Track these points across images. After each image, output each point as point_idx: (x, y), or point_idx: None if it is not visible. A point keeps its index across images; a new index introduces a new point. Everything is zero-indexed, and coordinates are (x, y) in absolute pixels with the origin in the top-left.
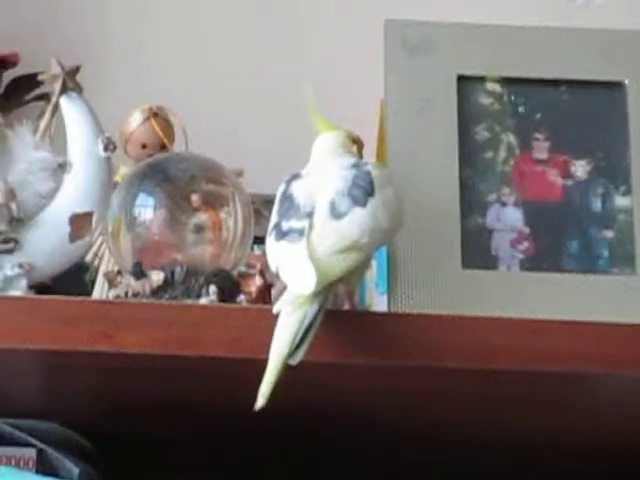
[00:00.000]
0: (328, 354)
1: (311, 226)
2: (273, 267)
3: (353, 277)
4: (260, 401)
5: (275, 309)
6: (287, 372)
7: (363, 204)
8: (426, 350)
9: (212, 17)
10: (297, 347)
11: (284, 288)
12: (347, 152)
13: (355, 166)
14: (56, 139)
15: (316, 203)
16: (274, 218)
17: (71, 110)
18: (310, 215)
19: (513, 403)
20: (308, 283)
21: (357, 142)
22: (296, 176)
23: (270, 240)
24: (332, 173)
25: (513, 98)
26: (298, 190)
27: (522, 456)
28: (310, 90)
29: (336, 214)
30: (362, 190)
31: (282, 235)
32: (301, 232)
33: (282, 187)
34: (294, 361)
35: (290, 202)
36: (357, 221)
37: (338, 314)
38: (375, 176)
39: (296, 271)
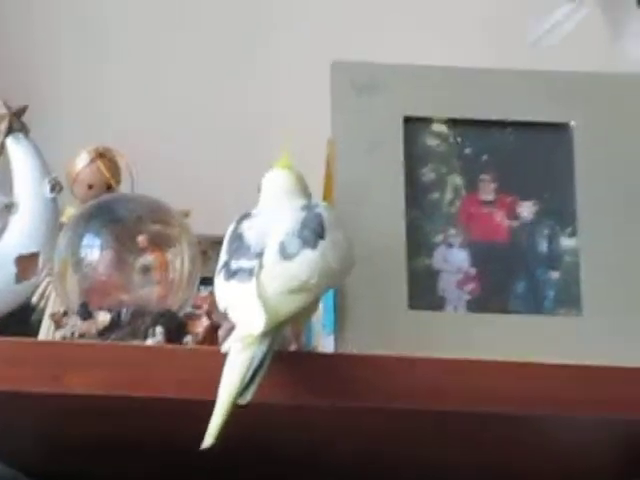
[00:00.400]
0: (275, 395)
1: (261, 266)
2: (222, 306)
3: (301, 318)
4: (208, 440)
5: (224, 348)
6: (234, 411)
7: (313, 246)
8: (374, 391)
9: (159, 59)
10: (246, 387)
11: (231, 328)
12: (299, 192)
13: (306, 208)
14: (2, 180)
15: (266, 243)
16: (223, 257)
17: (17, 151)
18: (260, 255)
19: (463, 444)
20: (257, 323)
21: None
22: (247, 215)
23: (219, 279)
24: (283, 214)
25: (460, 139)
26: (248, 230)
27: None
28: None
29: (286, 255)
30: (312, 232)
31: (231, 274)
32: (251, 272)
33: (232, 226)
34: (243, 401)
35: (240, 241)
36: (307, 262)
37: (285, 355)
38: (326, 218)
39: (246, 311)
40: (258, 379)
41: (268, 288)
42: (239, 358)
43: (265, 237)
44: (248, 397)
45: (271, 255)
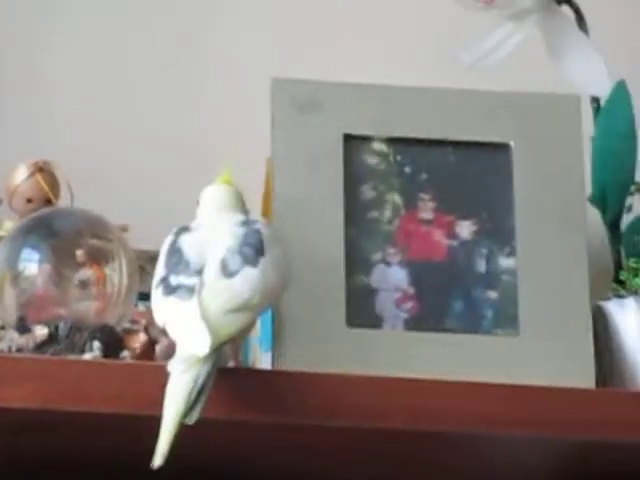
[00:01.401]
0: (214, 411)
1: (202, 284)
2: (160, 322)
3: (240, 335)
4: (158, 460)
5: (169, 368)
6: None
7: (254, 264)
8: (310, 408)
9: (102, 70)
10: (191, 407)
11: (169, 345)
12: (238, 208)
13: (245, 223)
14: None
15: (206, 260)
16: (161, 271)
17: None
18: (200, 272)
19: (399, 462)
20: (202, 345)
21: None
22: (185, 229)
23: (157, 294)
24: (223, 230)
25: (399, 158)
26: (187, 244)
27: None
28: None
29: (227, 272)
30: (253, 249)
31: (171, 290)
32: (191, 290)
33: (170, 239)
34: (190, 420)
35: (179, 256)
36: (248, 280)
37: (223, 372)
38: (265, 235)
39: (188, 331)
40: (203, 398)
41: (210, 307)
42: (183, 379)
43: (204, 252)
44: (194, 417)
45: (212, 272)
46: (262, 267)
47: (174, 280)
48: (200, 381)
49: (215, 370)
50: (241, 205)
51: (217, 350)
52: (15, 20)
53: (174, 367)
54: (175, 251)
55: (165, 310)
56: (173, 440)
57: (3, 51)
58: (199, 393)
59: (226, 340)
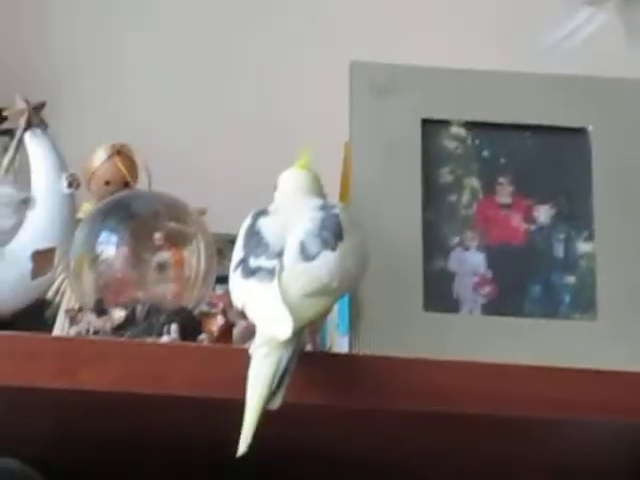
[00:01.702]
0: (291, 395)
1: (281, 267)
2: (239, 304)
3: (319, 319)
4: (242, 447)
5: (250, 350)
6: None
7: (333, 248)
8: (387, 393)
9: (179, 55)
10: (274, 392)
11: (247, 327)
12: (316, 192)
13: (323, 208)
14: (20, 175)
15: (285, 242)
16: (239, 253)
17: (35, 146)
18: (280, 255)
19: (478, 449)
20: (284, 328)
21: None
22: (263, 212)
23: (236, 276)
24: (301, 213)
25: (477, 142)
26: (266, 227)
27: None
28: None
29: (306, 256)
30: (332, 233)
31: (251, 273)
32: (272, 272)
33: (248, 222)
34: (274, 405)
35: (258, 239)
36: (327, 264)
37: (301, 356)
38: (343, 220)
39: (270, 313)
40: (286, 383)
41: (290, 290)
42: (265, 362)
43: (283, 236)
44: (277, 402)
45: (291, 255)
46: (341, 251)
47: (253, 262)
48: (283, 365)
49: (297, 354)
50: (319, 190)
51: (298, 334)
52: (94, 10)
53: (255, 350)
54: (254, 234)
55: (244, 292)
56: (256, 426)
57: (79, 36)
58: (282, 377)
59: (306, 324)
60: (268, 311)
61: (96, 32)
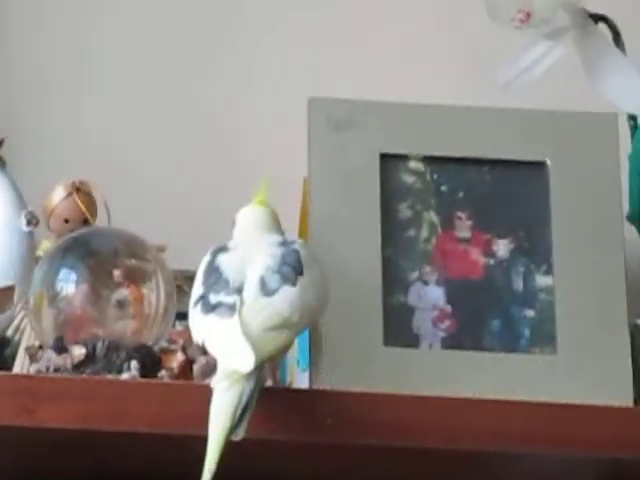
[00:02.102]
0: (251, 431)
1: (241, 302)
2: (199, 339)
3: (279, 354)
4: (207, 476)
5: (212, 384)
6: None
7: (293, 283)
8: (348, 428)
9: (138, 90)
10: (237, 424)
11: (207, 363)
12: (274, 228)
13: (283, 244)
14: None
15: (245, 278)
16: (199, 289)
17: None
18: (239, 290)
19: None
20: (246, 360)
21: None
22: (223, 248)
23: (195, 312)
24: (260, 249)
25: (435, 177)
26: (226, 263)
27: None
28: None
29: (267, 291)
30: (292, 269)
31: (211, 308)
32: (232, 307)
33: (207, 258)
34: (237, 436)
35: (218, 275)
36: (288, 299)
37: (262, 391)
38: (303, 255)
39: (230, 347)
40: (248, 415)
41: (251, 325)
42: (227, 395)
43: (243, 271)
44: (241, 434)
45: (252, 290)
46: (301, 286)
47: (213, 298)
48: (245, 398)
49: (258, 388)
50: (277, 226)
51: (259, 368)
52: (53, 38)
53: (217, 384)
54: (213, 270)
55: (205, 327)
56: (219, 457)
57: (40, 71)
58: (244, 410)
59: (267, 358)
60: (229, 345)
61: (56, 68)
